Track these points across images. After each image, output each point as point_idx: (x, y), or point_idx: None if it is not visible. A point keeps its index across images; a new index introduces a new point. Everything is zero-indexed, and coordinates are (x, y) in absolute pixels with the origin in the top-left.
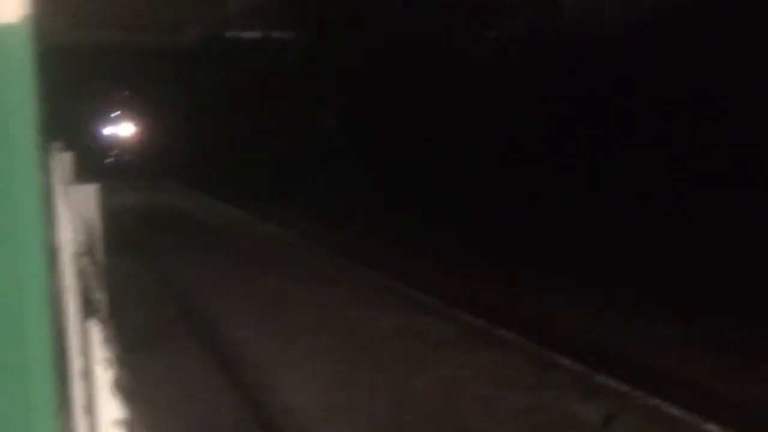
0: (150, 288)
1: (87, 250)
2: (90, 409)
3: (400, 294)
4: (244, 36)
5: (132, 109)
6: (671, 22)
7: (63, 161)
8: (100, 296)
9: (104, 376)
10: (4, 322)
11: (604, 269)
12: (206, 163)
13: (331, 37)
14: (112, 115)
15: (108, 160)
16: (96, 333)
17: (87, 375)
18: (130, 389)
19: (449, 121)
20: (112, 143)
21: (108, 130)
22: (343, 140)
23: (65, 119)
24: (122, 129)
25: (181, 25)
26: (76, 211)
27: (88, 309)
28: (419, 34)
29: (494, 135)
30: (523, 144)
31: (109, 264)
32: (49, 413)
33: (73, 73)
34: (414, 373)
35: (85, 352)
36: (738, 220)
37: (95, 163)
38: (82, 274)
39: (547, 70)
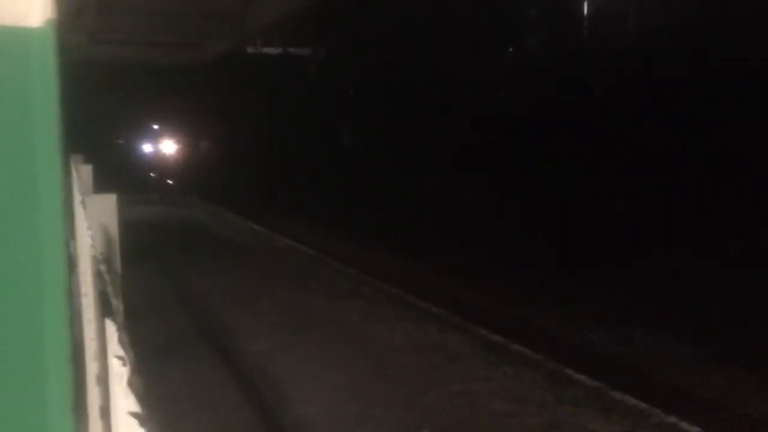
0: (166, 298)
1: (105, 259)
2: (105, 412)
3: (416, 307)
4: (263, 52)
5: (171, 126)
6: (693, 41)
7: (82, 172)
8: (116, 302)
9: (120, 372)
10: (24, 324)
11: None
12: (223, 178)
13: (349, 54)
14: (151, 131)
15: (150, 178)
16: (113, 332)
17: (103, 377)
18: (144, 394)
19: (461, 138)
20: (155, 160)
21: (148, 147)
22: (360, 155)
23: (95, 134)
24: (165, 146)
25: (201, 41)
26: (94, 221)
27: (106, 310)
28: (436, 51)
29: (505, 154)
30: (546, 161)
31: (127, 274)
32: (65, 414)
33: (97, 88)
34: (429, 387)
35: (102, 353)
36: None
37: (133, 180)
38: (99, 279)
39: (561, 86)
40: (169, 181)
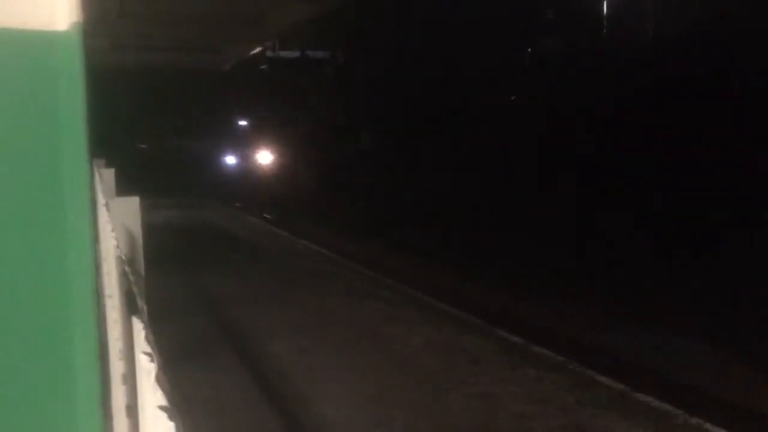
0: (187, 300)
1: (129, 260)
2: (132, 410)
3: (436, 309)
4: (281, 55)
5: (264, 133)
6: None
7: (105, 176)
8: (141, 302)
9: (149, 368)
10: (53, 324)
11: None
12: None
13: (367, 57)
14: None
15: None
16: (139, 329)
17: (129, 376)
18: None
19: (478, 140)
20: (246, 177)
21: (231, 159)
22: (378, 157)
23: (113, 139)
24: (261, 157)
25: (221, 45)
26: (118, 223)
27: (131, 308)
28: (453, 53)
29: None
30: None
31: (148, 276)
32: (94, 411)
33: (118, 92)
34: (450, 389)
35: (127, 352)
36: None
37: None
38: (124, 279)
39: (578, 85)
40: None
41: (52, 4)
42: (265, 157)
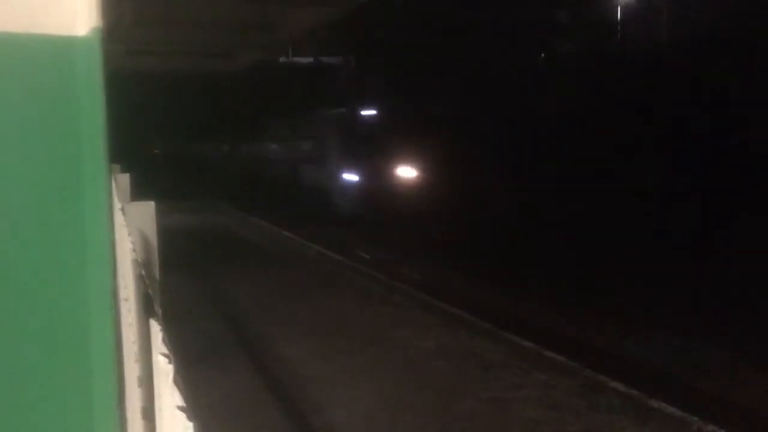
0: (201, 304)
1: (145, 263)
2: (148, 413)
3: (448, 314)
4: (294, 61)
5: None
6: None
7: (121, 180)
8: (157, 305)
9: (167, 369)
10: (71, 326)
11: None
12: (254, 185)
13: (377, 61)
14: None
15: None
16: (156, 331)
17: (145, 379)
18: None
19: (478, 149)
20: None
21: (350, 176)
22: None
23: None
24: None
25: (234, 50)
26: (133, 227)
27: (148, 310)
28: (467, 61)
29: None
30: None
31: (162, 280)
32: (110, 414)
33: (133, 98)
34: (462, 394)
35: (143, 355)
36: None
37: None
38: (141, 281)
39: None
40: None
41: (72, 9)
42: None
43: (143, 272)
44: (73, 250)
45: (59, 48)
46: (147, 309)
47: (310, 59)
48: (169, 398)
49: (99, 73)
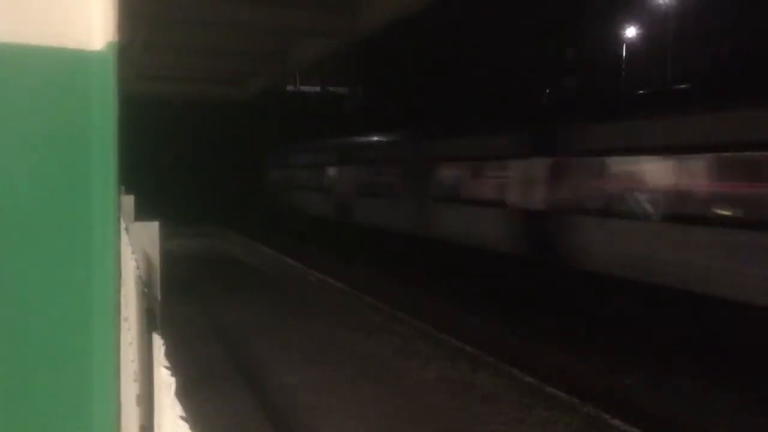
0: (200, 330)
1: (148, 282)
2: (146, 430)
3: (449, 346)
4: (302, 89)
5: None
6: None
7: (125, 202)
8: (158, 322)
9: (169, 382)
10: (73, 342)
11: None
12: (258, 212)
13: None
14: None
15: None
16: (159, 345)
17: (144, 397)
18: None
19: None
20: None
21: None
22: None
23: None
24: None
25: (244, 78)
26: (137, 247)
27: (151, 325)
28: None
29: None
30: None
31: (163, 304)
32: (110, 429)
33: (140, 122)
34: (460, 428)
35: (143, 373)
36: None
37: None
38: (144, 298)
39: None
40: None
41: (87, 23)
42: None
43: (146, 289)
44: (80, 268)
45: (75, 61)
46: (149, 324)
47: (317, 88)
48: (170, 411)
49: (113, 87)
